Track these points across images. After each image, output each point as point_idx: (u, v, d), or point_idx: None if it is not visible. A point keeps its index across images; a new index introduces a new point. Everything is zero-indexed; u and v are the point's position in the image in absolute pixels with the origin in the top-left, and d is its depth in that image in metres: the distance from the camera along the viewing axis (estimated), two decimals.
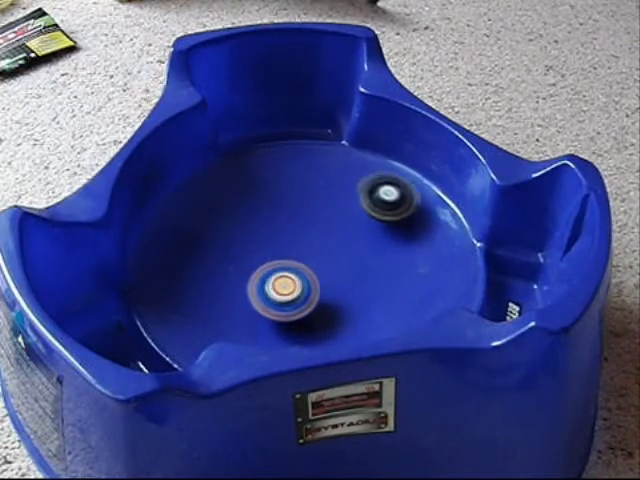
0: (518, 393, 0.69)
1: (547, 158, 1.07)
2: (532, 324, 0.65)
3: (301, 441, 0.68)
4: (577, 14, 1.37)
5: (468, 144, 0.87)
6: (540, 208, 0.83)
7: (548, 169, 0.83)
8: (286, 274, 0.79)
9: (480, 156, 0.85)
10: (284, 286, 0.77)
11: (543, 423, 0.70)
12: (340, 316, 0.80)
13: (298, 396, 0.65)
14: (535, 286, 0.84)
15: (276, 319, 0.77)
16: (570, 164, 0.81)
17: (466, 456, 0.72)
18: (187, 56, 0.93)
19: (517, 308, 0.82)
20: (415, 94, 0.94)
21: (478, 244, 0.86)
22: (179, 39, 0.95)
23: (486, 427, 0.70)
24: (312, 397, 0.66)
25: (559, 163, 0.82)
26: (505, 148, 0.90)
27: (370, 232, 0.88)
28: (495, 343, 0.66)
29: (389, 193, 0.88)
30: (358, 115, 0.95)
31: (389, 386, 0.67)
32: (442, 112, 0.92)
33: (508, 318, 0.82)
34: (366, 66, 0.95)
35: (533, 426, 0.70)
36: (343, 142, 0.97)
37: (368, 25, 1.02)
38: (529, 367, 0.67)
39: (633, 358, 0.86)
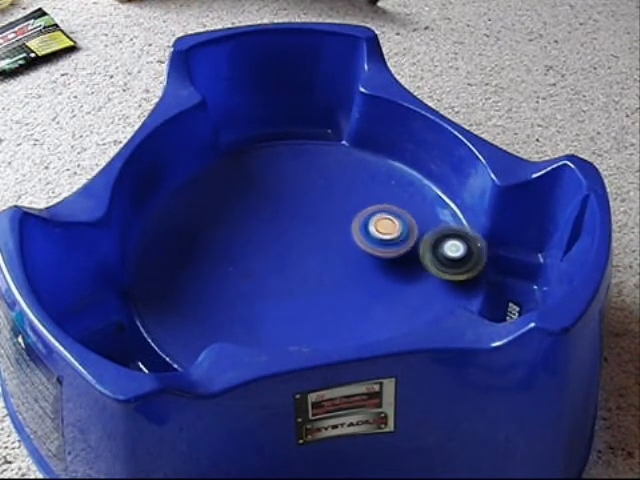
0: (518, 393, 0.69)
1: (547, 158, 1.07)
2: (532, 324, 0.65)
3: (301, 441, 0.68)
4: (577, 14, 1.37)
5: (468, 144, 0.87)
6: (540, 208, 0.83)
7: (548, 169, 0.82)
8: (387, 216, 0.85)
9: (480, 156, 0.85)
10: (385, 226, 0.84)
11: (543, 423, 0.70)
12: None
13: (298, 396, 0.65)
14: (535, 286, 0.83)
15: (379, 255, 0.84)
16: (570, 164, 0.81)
17: (466, 456, 0.72)
18: (187, 56, 0.93)
19: (517, 308, 0.82)
20: (415, 94, 0.94)
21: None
22: (179, 39, 0.95)
23: (486, 427, 0.70)
24: (312, 397, 0.66)
25: (559, 163, 0.82)
26: (505, 148, 0.90)
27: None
28: (495, 343, 0.66)
29: (455, 249, 0.83)
30: (358, 115, 0.95)
31: (389, 386, 0.67)
32: (442, 112, 0.92)
33: (508, 318, 0.81)
34: (366, 66, 0.95)
35: (533, 426, 0.70)
36: (343, 142, 0.97)
37: (368, 25, 1.01)
38: (529, 367, 0.67)
39: (633, 358, 0.86)
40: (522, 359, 0.67)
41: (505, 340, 0.66)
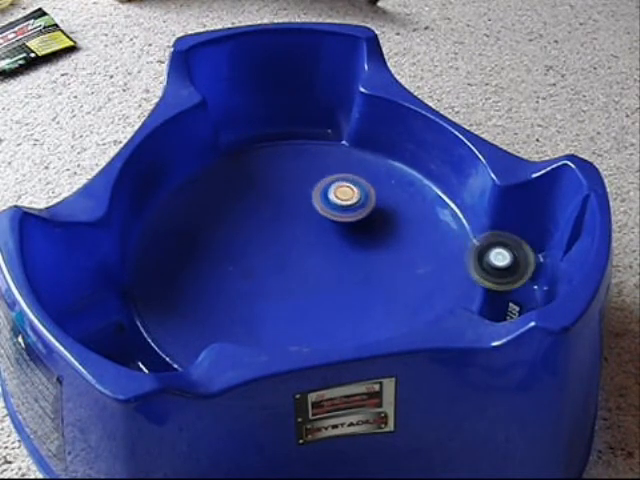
0: (518, 393, 0.69)
1: (547, 158, 1.07)
2: (532, 324, 0.65)
3: (301, 441, 0.68)
4: (577, 14, 1.37)
5: (468, 144, 0.87)
6: (540, 208, 0.83)
7: (548, 169, 0.82)
8: (345, 184, 0.88)
9: (480, 156, 0.85)
10: (344, 193, 0.88)
11: (543, 423, 0.70)
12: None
13: (298, 396, 0.65)
14: (535, 286, 0.83)
15: (338, 220, 0.87)
16: (570, 164, 0.81)
17: (466, 456, 0.72)
18: (187, 56, 0.93)
19: (517, 308, 0.82)
20: (415, 94, 0.94)
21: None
22: (179, 39, 0.95)
23: (486, 427, 0.70)
24: (312, 397, 0.66)
25: (559, 163, 0.82)
26: (505, 148, 0.90)
27: (368, 232, 0.88)
28: (495, 343, 0.66)
29: (501, 258, 0.81)
30: (358, 115, 0.95)
31: (389, 386, 0.67)
32: (442, 112, 0.92)
33: (508, 318, 0.81)
34: (366, 66, 0.95)
35: (533, 426, 0.70)
36: (343, 142, 0.97)
37: (368, 25, 1.01)
38: (529, 367, 0.67)
39: (633, 358, 0.86)
40: (522, 359, 0.67)
41: (505, 339, 0.66)
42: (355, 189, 0.88)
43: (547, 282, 0.83)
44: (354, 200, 0.87)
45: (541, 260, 0.84)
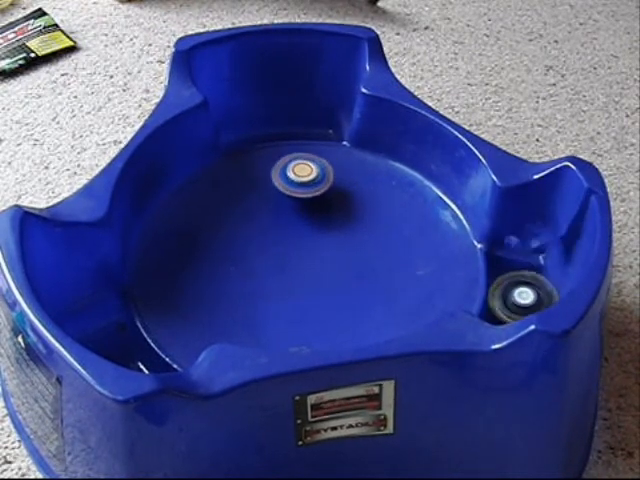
0: (518, 395, 0.69)
1: (547, 158, 1.08)
2: (532, 327, 0.65)
3: (300, 443, 0.68)
4: (577, 14, 1.37)
5: (469, 145, 0.87)
6: (541, 209, 0.83)
7: (549, 170, 0.82)
8: (303, 161, 0.90)
9: (481, 157, 0.85)
10: (302, 170, 0.90)
11: (542, 425, 0.70)
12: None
13: (297, 398, 0.65)
14: None
15: (297, 196, 0.89)
16: (571, 166, 0.81)
17: (465, 458, 0.72)
18: (189, 56, 0.93)
19: None
20: (415, 94, 0.94)
21: (479, 245, 0.86)
22: (181, 39, 0.95)
23: (486, 429, 0.70)
24: (312, 399, 0.66)
25: (560, 165, 0.82)
26: (505, 148, 0.90)
27: (368, 233, 0.88)
28: (495, 346, 0.66)
29: (525, 296, 0.80)
30: (359, 116, 0.95)
31: (389, 389, 0.66)
32: (442, 112, 0.92)
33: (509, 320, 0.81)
34: (368, 67, 0.95)
35: (533, 428, 0.70)
36: (344, 142, 0.97)
37: (368, 25, 1.02)
38: (529, 370, 0.67)
39: (633, 358, 0.86)
40: (522, 361, 0.67)
41: (505, 342, 0.66)
42: (313, 166, 0.90)
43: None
44: (312, 176, 0.89)
45: (542, 262, 0.84)
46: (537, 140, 1.11)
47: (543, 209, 0.83)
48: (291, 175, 0.89)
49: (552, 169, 0.82)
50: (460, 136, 0.88)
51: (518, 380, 0.68)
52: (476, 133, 0.90)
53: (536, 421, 0.70)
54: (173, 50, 0.93)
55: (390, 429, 0.69)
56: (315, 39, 0.97)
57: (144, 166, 0.85)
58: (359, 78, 0.95)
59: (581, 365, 0.71)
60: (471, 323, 0.70)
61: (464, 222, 0.88)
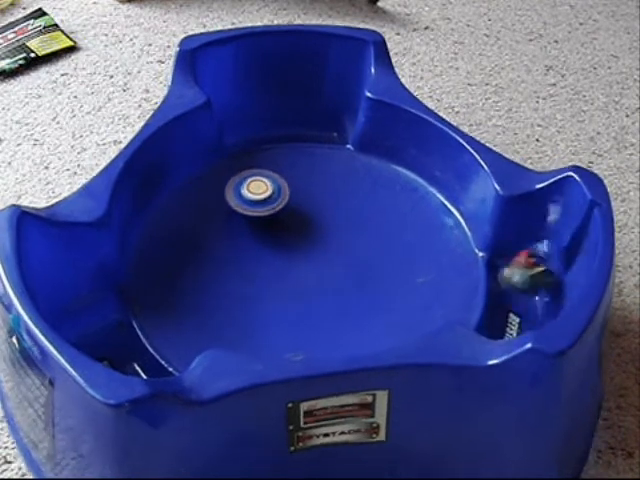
0: (512, 411, 0.68)
1: (547, 158, 1.07)
2: (529, 345, 0.65)
3: (292, 449, 0.67)
4: (577, 14, 1.37)
5: (472, 152, 0.86)
6: (543, 219, 0.82)
7: (552, 180, 0.81)
8: (259, 178, 0.88)
9: (484, 165, 0.85)
10: (257, 187, 0.87)
11: (537, 441, 0.69)
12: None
13: (290, 405, 0.65)
14: (536, 297, 0.83)
15: (250, 214, 0.86)
16: (575, 176, 0.80)
17: (457, 469, 0.71)
18: (193, 56, 0.92)
19: (517, 319, 0.81)
20: (415, 94, 0.94)
21: (480, 254, 0.86)
22: (185, 39, 0.95)
23: (479, 442, 0.70)
24: (304, 406, 0.65)
25: (563, 174, 0.81)
26: (505, 148, 0.90)
27: (371, 240, 0.87)
28: (491, 362, 0.66)
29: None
30: (364, 119, 0.95)
31: (382, 398, 0.66)
32: (442, 112, 0.92)
33: (508, 329, 0.81)
34: (373, 70, 0.95)
35: (526, 444, 0.70)
36: (348, 146, 0.97)
37: (368, 25, 1.02)
38: (524, 387, 0.67)
39: (633, 358, 0.86)
40: (517, 378, 0.66)
41: (500, 359, 0.65)
42: (268, 183, 0.87)
43: (548, 294, 0.82)
44: (268, 194, 0.87)
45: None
46: (537, 140, 1.11)
47: (545, 219, 0.82)
48: (245, 193, 0.87)
49: (555, 179, 0.81)
50: (464, 143, 0.87)
51: (512, 396, 0.67)
52: (476, 133, 0.90)
53: (530, 437, 0.69)
54: (177, 50, 0.93)
55: (382, 437, 0.68)
56: (321, 41, 0.97)
57: (145, 166, 0.85)
58: (364, 82, 0.95)
59: (577, 383, 0.71)
60: (468, 337, 0.69)
61: (466, 230, 0.88)
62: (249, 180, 0.87)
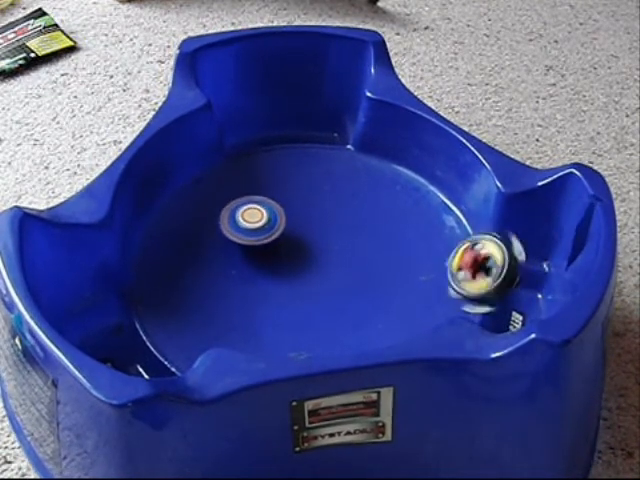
0: (518, 404, 0.68)
1: (547, 158, 1.08)
2: (533, 336, 0.65)
3: (297, 449, 0.67)
4: (577, 14, 1.37)
5: (474, 151, 0.86)
6: (545, 217, 0.83)
7: (554, 177, 0.82)
8: (254, 206, 0.85)
9: (486, 163, 0.85)
10: (252, 215, 0.85)
11: (543, 434, 0.69)
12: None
13: (295, 404, 0.65)
14: (539, 295, 0.82)
15: (245, 244, 0.84)
16: (577, 173, 0.80)
17: (464, 467, 0.71)
18: (193, 58, 0.92)
19: (520, 317, 0.81)
20: (415, 94, 0.94)
21: None
22: (185, 41, 0.95)
23: (485, 438, 0.70)
24: (309, 405, 0.65)
25: (565, 172, 0.81)
26: (505, 148, 0.90)
27: (373, 239, 0.87)
28: (494, 354, 0.65)
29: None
30: (364, 119, 0.95)
31: (387, 395, 0.66)
32: (442, 112, 0.92)
33: (511, 327, 0.81)
34: (373, 70, 0.95)
35: (533, 437, 0.69)
36: (349, 146, 0.97)
37: (368, 25, 1.02)
38: (529, 379, 0.67)
39: (633, 358, 0.86)
40: (522, 370, 0.66)
41: (505, 351, 0.65)
42: (263, 211, 0.85)
43: (551, 291, 0.82)
44: (263, 222, 0.85)
45: (545, 269, 0.83)
46: (537, 140, 1.11)
47: (547, 216, 0.82)
48: (240, 221, 0.85)
49: (557, 176, 0.81)
50: (465, 142, 0.87)
51: (518, 389, 0.67)
52: (476, 133, 0.90)
53: (537, 432, 0.69)
54: (177, 52, 0.93)
55: (388, 437, 0.68)
56: (321, 42, 0.97)
57: (146, 168, 0.85)
58: (364, 82, 0.95)
59: (583, 376, 0.71)
60: (471, 331, 0.69)
61: (468, 228, 0.88)
62: (244, 208, 0.86)
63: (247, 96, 0.98)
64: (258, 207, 0.86)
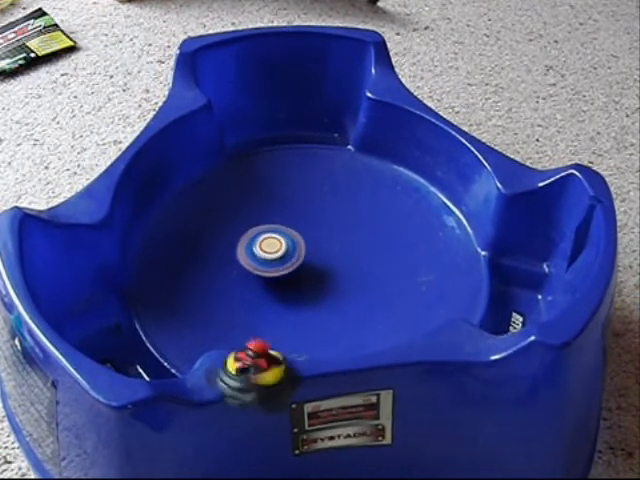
0: (517, 407, 0.68)
1: (547, 158, 1.08)
2: (532, 338, 0.64)
3: (297, 452, 0.67)
4: (577, 14, 1.37)
5: (474, 151, 0.86)
6: (546, 217, 0.82)
7: (554, 178, 0.81)
8: (272, 235, 0.83)
9: (486, 164, 0.85)
10: (270, 245, 0.82)
11: (543, 436, 0.69)
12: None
13: (294, 406, 0.65)
14: (539, 296, 0.83)
15: (264, 275, 0.81)
16: (577, 174, 0.80)
17: (464, 470, 0.71)
18: (193, 58, 0.92)
19: (521, 318, 0.81)
20: (415, 94, 0.94)
21: (482, 253, 0.85)
22: (186, 41, 0.95)
23: (485, 440, 0.69)
24: (308, 407, 0.65)
25: (566, 172, 0.81)
26: (505, 148, 0.90)
27: (373, 240, 0.87)
28: (494, 357, 0.65)
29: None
30: (365, 120, 0.95)
31: (387, 398, 0.66)
32: (442, 112, 0.92)
33: (511, 328, 0.81)
34: (373, 71, 0.95)
35: (533, 440, 0.69)
36: (349, 147, 0.97)
37: (368, 25, 1.02)
38: (529, 381, 0.66)
39: (633, 358, 0.86)
40: (522, 373, 0.66)
41: (504, 353, 0.65)
42: (282, 240, 0.83)
43: (551, 292, 0.82)
44: (282, 252, 0.82)
45: (546, 270, 0.83)
46: (537, 140, 1.11)
47: (548, 217, 0.82)
48: (258, 252, 0.82)
49: (558, 177, 0.81)
50: (466, 142, 0.87)
51: (517, 392, 0.67)
52: (476, 133, 0.90)
53: (536, 435, 0.69)
54: (177, 52, 0.93)
55: (388, 440, 0.68)
56: (321, 42, 0.97)
57: (146, 168, 0.85)
58: (365, 82, 0.95)
59: (583, 375, 0.70)
60: (470, 333, 0.69)
61: (468, 229, 0.88)
62: (262, 238, 0.83)
63: (247, 96, 0.97)
64: (276, 236, 0.83)
